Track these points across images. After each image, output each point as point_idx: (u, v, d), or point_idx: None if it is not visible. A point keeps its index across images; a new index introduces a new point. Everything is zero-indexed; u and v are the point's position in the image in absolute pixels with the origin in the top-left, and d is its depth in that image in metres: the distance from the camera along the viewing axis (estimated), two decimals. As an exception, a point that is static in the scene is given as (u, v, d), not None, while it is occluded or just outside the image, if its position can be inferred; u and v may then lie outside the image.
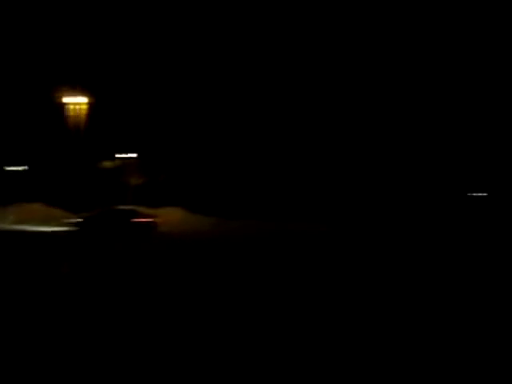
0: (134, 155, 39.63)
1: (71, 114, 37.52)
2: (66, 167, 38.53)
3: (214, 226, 31.73)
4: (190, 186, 39.17)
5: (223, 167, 40.85)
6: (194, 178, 40.12)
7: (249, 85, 41.52)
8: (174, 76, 41.32)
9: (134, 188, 37.84)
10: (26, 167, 45.19)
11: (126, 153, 39.42)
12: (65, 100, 37.66)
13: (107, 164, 38.83)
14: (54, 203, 35.61)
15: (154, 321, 7.19)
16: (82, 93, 37.77)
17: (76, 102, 37.81)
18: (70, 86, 37.60)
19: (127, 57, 40.84)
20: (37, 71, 39.97)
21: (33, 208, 34.73)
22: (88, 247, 19.50)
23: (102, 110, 38.56)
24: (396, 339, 6.36)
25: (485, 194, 42.87)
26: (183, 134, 40.55)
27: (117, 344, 6.07)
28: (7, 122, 41.42)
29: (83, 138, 37.44)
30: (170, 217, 32.09)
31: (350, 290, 10.29)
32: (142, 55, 41.04)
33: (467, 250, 20.61)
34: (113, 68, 40.35)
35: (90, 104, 37.78)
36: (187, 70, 41.20)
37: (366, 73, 41.72)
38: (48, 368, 5.15)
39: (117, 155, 39.20)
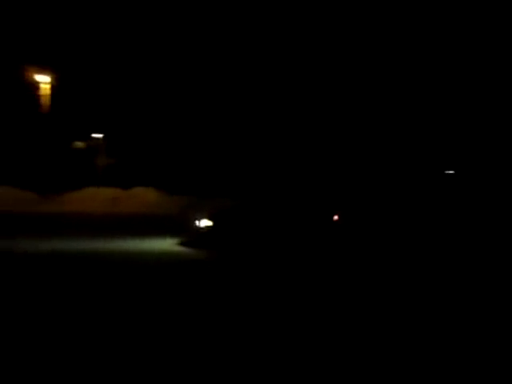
0: (101, 135, 39.21)
1: (38, 92, 36.82)
2: (34, 147, 37.89)
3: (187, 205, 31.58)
4: (160, 165, 38.99)
5: (194, 144, 40.59)
6: (163, 156, 39.89)
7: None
8: (140, 50, 40.61)
9: (102, 169, 37.55)
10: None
11: (94, 133, 39.01)
12: (31, 78, 36.85)
13: (79, 144, 38.46)
14: (20, 185, 34.86)
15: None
16: (47, 71, 36.92)
17: (42, 81, 36.97)
18: (36, 64, 36.62)
19: (94, 32, 40.05)
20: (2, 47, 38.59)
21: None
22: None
23: (68, 88, 38.02)
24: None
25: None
26: (151, 112, 40.21)
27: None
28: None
29: (52, 117, 36.89)
30: (139, 197, 32.01)
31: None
32: (109, 30, 40.12)
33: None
34: (79, 44, 39.55)
35: (55, 83, 37.06)
36: (156, 44, 40.34)
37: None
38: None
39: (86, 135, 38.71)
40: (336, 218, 13.86)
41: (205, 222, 14.18)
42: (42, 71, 36.72)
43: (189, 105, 40.91)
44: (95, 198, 31.18)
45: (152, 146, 40.32)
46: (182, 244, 14.22)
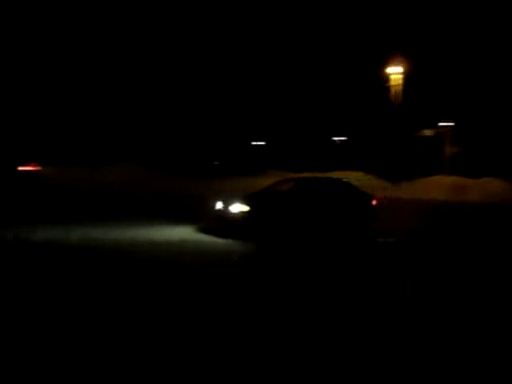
0: (451, 124, 38.92)
1: (390, 83, 38.29)
2: (385, 136, 39.87)
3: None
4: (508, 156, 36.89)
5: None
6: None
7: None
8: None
9: (449, 157, 37.35)
10: (345, 138, 48.46)
11: (443, 121, 38.99)
12: (384, 70, 38.50)
13: (427, 132, 39.07)
14: (373, 171, 37.36)
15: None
16: (400, 62, 38.15)
17: (394, 72, 38.31)
18: (388, 55, 38.24)
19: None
20: (353, 42, 41.78)
21: (352, 175, 36.74)
22: None
23: (418, 78, 38.74)
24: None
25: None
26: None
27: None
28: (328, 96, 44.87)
29: (401, 106, 38.12)
30: (487, 187, 30.89)
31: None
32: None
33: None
34: (430, 34, 40.14)
35: (406, 73, 37.97)
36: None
37: None
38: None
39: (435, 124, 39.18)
40: (375, 202, 13.29)
41: (238, 207, 11.72)
42: (395, 63, 38.08)
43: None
44: (440, 186, 31.27)
45: (500, 136, 38.38)
46: (201, 230, 12.02)
